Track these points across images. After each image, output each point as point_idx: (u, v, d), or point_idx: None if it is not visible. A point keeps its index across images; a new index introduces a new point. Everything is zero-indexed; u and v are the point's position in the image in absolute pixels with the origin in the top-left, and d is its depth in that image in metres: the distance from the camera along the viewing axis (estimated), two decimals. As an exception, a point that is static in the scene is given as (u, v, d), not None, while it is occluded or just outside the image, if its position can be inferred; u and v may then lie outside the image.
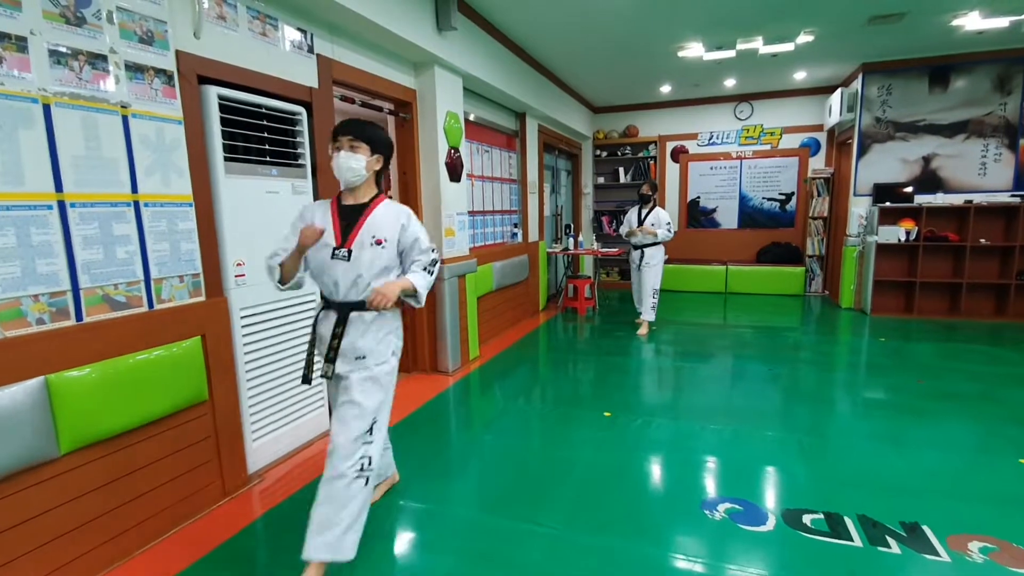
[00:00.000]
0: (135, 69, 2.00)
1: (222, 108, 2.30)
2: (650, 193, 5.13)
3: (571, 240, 6.65)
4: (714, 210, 7.76)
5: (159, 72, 2.08)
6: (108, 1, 1.89)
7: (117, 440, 1.93)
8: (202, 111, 2.24)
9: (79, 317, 1.82)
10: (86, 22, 1.83)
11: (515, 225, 5.71)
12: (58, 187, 1.74)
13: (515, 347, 4.82)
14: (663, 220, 5.09)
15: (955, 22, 4.49)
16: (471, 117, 4.75)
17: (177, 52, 2.14)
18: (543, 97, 5.71)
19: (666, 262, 7.59)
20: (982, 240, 5.51)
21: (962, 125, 5.63)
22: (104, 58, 1.89)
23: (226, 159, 2.32)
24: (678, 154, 7.79)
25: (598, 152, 8.14)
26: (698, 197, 7.80)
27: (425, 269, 1.90)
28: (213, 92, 2.26)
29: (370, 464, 1.80)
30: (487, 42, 4.27)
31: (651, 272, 5.15)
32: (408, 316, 3.99)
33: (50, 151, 1.72)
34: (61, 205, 1.75)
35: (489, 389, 3.82)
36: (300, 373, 2.74)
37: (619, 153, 8.04)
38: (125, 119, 1.97)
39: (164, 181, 2.08)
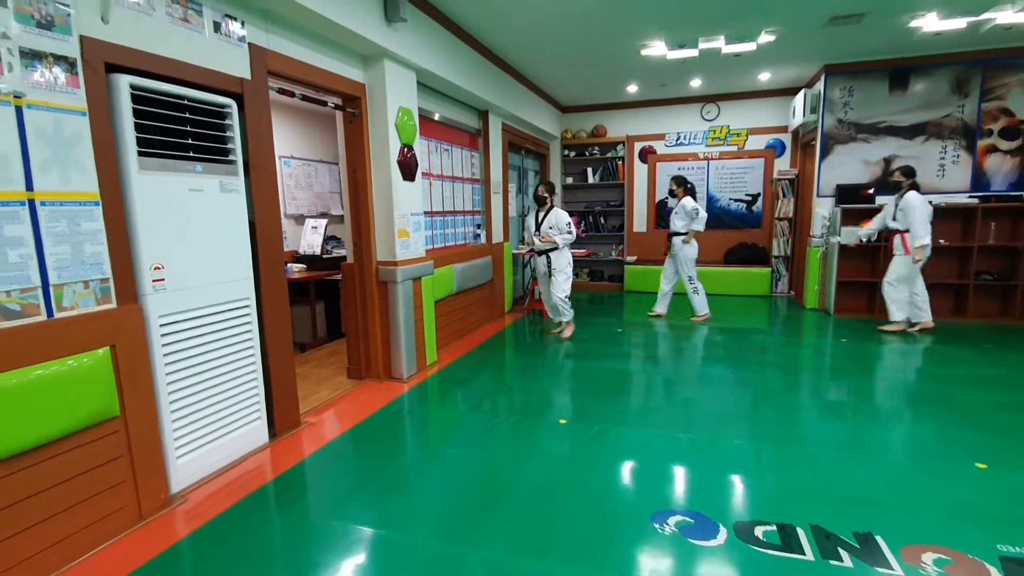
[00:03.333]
0: (31, 56, 1.82)
1: (136, 99, 2.12)
2: (546, 195, 4.84)
3: (537, 240, 6.53)
4: (682, 211, 7.74)
5: (60, 59, 1.89)
6: (-1, -19, 1.70)
7: (12, 461, 1.74)
8: (111, 102, 2.06)
9: (-43, 328, 1.63)
10: (-28, 4, 1.64)
11: (478, 226, 5.57)
12: (-74, 183, 1.55)
13: (476, 351, 4.68)
14: (563, 221, 4.79)
15: (913, 23, 4.51)
16: (436, 117, 4.61)
17: (81, 38, 1.95)
18: (507, 95, 5.58)
19: (634, 263, 7.68)
20: (941, 241, 5.57)
21: (921, 127, 5.69)
22: (-8, 43, 1.71)
23: (140, 154, 2.13)
24: (646, 154, 7.76)
25: (566, 152, 8.05)
26: (666, 198, 7.77)
27: None
28: (124, 81, 2.08)
29: None
30: (443, 35, 4.13)
31: (561, 278, 4.87)
32: (359, 320, 3.82)
33: (-86, 142, 1.53)
34: (-71, 203, 1.56)
35: (443, 396, 3.67)
36: (232, 384, 2.58)
37: (587, 153, 7.97)
38: (19, 110, 1.78)
39: (64, 178, 1.89)
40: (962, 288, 5.64)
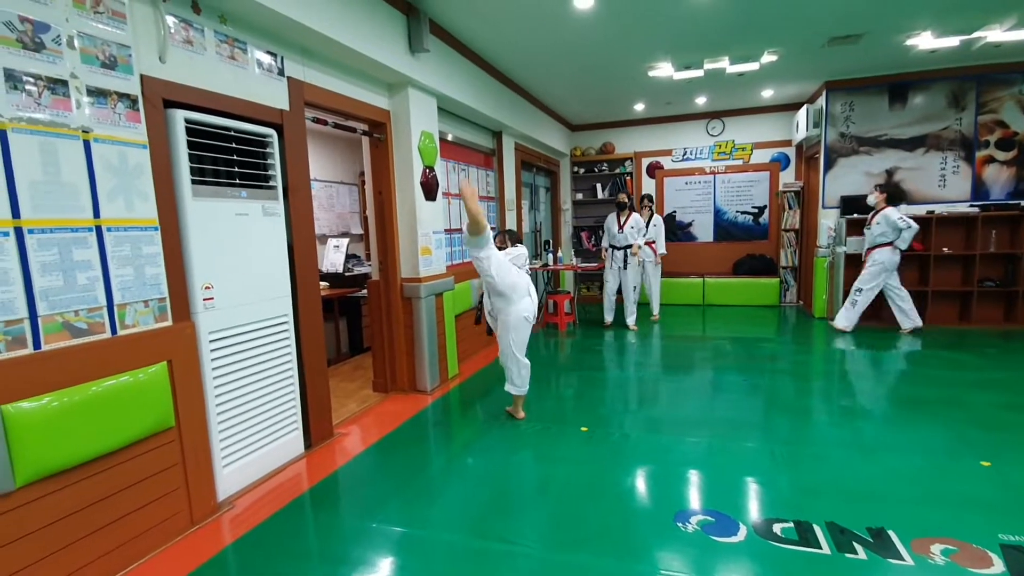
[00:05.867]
0: (97, 94, 1.99)
1: (189, 131, 2.30)
2: (505, 245, 3.44)
3: (550, 256, 6.69)
4: (690, 224, 7.90)
5: (123, 96, 2.07)
6: (68, 26, 1.88)
7: (78, 470, 1.88)
8: (168, 135, 2.24)
9: (37, 345, 1.78)
10: (45, 47, 1.82)
11: (492, 242, 5.73)
12: (15, 213, 1.72)
13: (495, 364, 4.81)
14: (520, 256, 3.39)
15: (909, 42, 4.69)
16: (449, 137, 4.80)
17: (142, 76, 2.13)
18: (519, 116, 5.79)
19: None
20: (945, 249, 5.69)
21: (921, 139, 5.84)
22: (64, 83, 1.88)
23: (194, 182, 2.31)
24: (654, 170, 7.94)
25: (576, 169, 8.25)
26: (674, 211, 7.93)
27: None
28: (180, 116, 2.26)
29: None
30: (461, 63, 4.34)
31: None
32: (385, 335, 3.97)
33: (6, 176, 1.70)
34: (18, 231, 1.73)
35: (468, 407, 3.80)
36: (272, 396, 2.72)
37: (596, 169, 8.16)
38: (87, 144, 1.95)
39: (128, 205, 2.06)
40: (966, 295, 5.74)
